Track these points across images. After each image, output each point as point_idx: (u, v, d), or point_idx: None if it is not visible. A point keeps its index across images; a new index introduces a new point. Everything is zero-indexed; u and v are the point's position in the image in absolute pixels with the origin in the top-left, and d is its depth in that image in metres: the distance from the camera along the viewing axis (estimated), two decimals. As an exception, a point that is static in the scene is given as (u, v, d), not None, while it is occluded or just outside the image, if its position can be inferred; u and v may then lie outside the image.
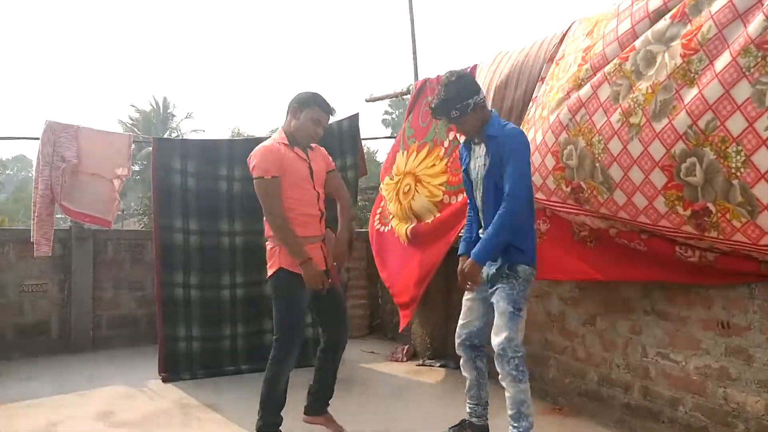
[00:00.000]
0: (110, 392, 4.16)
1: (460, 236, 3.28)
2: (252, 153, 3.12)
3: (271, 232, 3.11)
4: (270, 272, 3.13)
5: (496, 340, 2.84)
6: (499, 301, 2.87)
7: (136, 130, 32.75)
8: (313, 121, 3.14)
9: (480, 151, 2.98)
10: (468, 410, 3.20)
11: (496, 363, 2.85)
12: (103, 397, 4.04)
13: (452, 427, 3.23)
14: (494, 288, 2.91)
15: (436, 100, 2.94)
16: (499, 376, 2.86)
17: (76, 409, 3.79)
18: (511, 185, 2.76)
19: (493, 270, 2.90)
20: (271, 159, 3.04)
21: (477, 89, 2.93)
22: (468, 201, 3.18)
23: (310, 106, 3.13)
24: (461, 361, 3.17)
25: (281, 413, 3.18)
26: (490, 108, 3.12)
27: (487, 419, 3.19)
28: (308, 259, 3.04)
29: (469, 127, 2.95)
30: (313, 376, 3.38)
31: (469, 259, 2.85)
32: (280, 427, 3.18)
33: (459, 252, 3.15)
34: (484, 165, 2.91)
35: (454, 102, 2.87)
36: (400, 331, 4.94)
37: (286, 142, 3.14)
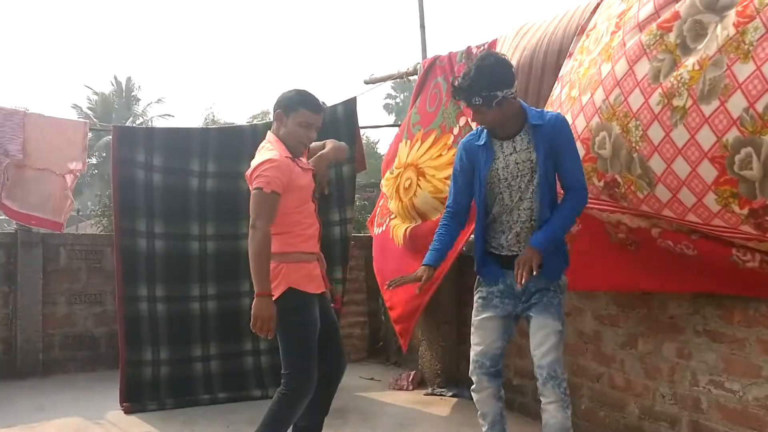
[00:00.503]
0: (63, 426, 4.18)
1: (470, 239, 3.30)
2: (260, 161, 3.14)
3: (273, 248, 3.12)
4: (275, 294, 3.12)
5: (546, 360, 2.93)
6: (546, 317, 2.97)
7: (92, 116, 32.82)
8: (303, 126, 3.20)
9: (518, 145, 3.02)
10: None
11: (543, 387, 2.93)
12: (54, 432, 4.06)
13: None
14: (532, 302, 3.00)
15: (462, 80, 2.95)
16: (544, 402, 2.94)
17: (21, 445, 3.82)
18: (578, 176, 2.99)
19: (538, 283, 2.98)
20: (279, 174, 3.08)
21: (511, 81, 2.94)
22: (452, 206, 3.22)
23: (294, 109, 3.19)
24: (481, 393, 3.16)
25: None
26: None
27: None
28: (269, 294, 3.06)
29: (489, 120, 2.99)
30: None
31: (531, 247, 2.92)
32: None
33: (426, 261, 3.15)
34: (531, 160, 2.97)
35: (481, 89, 2.89)
36: (404, 353, 4.95)
37: (289, 154, 3.19)
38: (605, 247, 3.49)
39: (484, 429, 3.20)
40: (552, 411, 2.91)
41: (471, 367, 3.16)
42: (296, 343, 3.16)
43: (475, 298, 3.18)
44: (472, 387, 3.18)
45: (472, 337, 3.17)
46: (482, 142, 3.09)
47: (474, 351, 3.14)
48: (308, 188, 3.27)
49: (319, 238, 3.35)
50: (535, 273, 2.86)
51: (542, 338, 2.96)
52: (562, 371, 2.94)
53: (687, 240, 3.07)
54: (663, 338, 3.47)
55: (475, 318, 3.15)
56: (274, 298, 3.10)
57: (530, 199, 3.02)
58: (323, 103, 3.34)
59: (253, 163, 3.17)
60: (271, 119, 3.39)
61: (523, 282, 2.86)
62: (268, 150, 3.20)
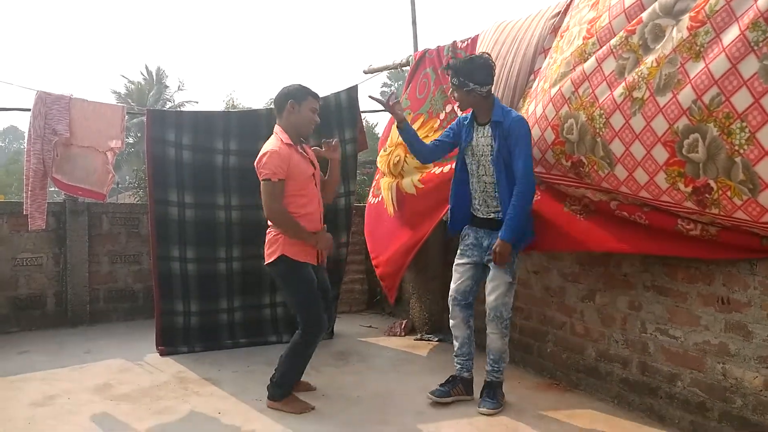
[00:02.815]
0: (108, 366, 4.20)
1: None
2: (262, 153, 3.28)
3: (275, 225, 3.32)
4: (270, 259, 3.32)
5: (494, 304, 3.33)
6: (498, 269, 3.32)
7: (129, 101, 32.41)
8: (313, 111, 3.39)
9: (485, 132, 3.35)
10: (458, 367, 3.58)
11: (489, 323, 3.37)
12: (100, 371, 4.08)
13: (442, 384, 3.57)
14: (491, 256, 3.33)
15: (455, 61, 3.39)
16: (489, 332, 3.39)
17: (73, 383, 3.83)
18: (523, 168, 3.18)
19: (493, 241, 3.33)
20: (279, 162, 3.23)
21: (485, 81, 3.29)
22: (455, 174, 3.57)
23: (305, 98, 3.37)
24: (454, 321, 3.54)
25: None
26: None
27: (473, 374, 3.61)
28: (315, 233, 3.34)
29: (458, 99, 3.39)
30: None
31: (500, 241, 3.25)
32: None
33: (451, 227, 3.62)
34: (491, 146, 3.31)
35: (463, 74, 3.28)
36: (391, 303, 4.97)
37: (291, 142, 3.34)
38: (557, 213, 3.49)
39: (455, 348, 3.59)
40: (494, 339, 3.39)
41: (449, 300, 3.56)
42: (299, 296, 3.33)
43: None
44: (449, 315, 3.57)
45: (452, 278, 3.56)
46: (467, 122, 3.46)
47: (451, 288, 3.55)
48: (306, 173, 3.36)
49: (320, 220, 3.46)
50: (507, 262, 3.28)
51: (493, 287, 3.34)
52: (507, 313, 3.36)
53: (639, 212, 3.08)
54: (617, 292, 3.49)
55: (454, 264, 3.56)
56: (269, 262, 3.33)
57: (491, 174, 3.35)
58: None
59: (261, 152, 3.29)
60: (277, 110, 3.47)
61: (499, 264, 3.29)
62: (270, 141, 3.33)
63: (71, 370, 4.11)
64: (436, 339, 4.96)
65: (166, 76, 37.53)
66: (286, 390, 3.43)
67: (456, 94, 3.37)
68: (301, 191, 3.33)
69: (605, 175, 3.02)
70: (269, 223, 3.37)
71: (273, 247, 3.33)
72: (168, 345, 4.52)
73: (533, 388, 3.79)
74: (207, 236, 4.62)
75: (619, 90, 2.82)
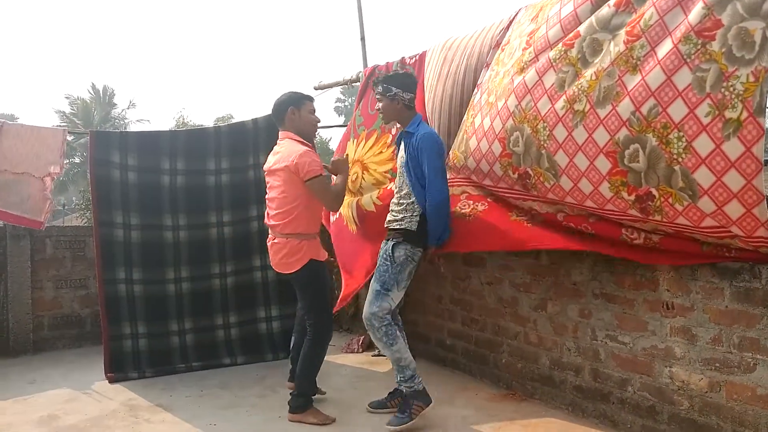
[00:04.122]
0: (54, 396, 4.01)
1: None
2: (299, 156, 3.35)
3: (296, 230, 3.43)
4: (299, 265, 3.44)
5: (366, 313, 3.37)
6: (372, 278, 3.43)
7: (75, 120, 31.44)
8: (311, 112, 3.58)
9: (403, 145, 3.45)
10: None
11: (369, 333, 3.39)
12: (46, 402, 3.89)
13: (386, 397, 3.66)
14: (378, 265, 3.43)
15: (386, 73, 3.60)
16: (375, 344, 3.44)
17: (17, 415, 3.64)
18: (429, 180, 3.27)
19: (383, 247, 3.47)
20: (316, 157, 3.43)
21: (409, 89, 3.43)
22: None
23: (303, 102, 3.55)
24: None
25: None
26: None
27: None
28: (343, 164, 3.60)
29: (384, 110, 3.47)
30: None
31: (431, 247, 3.40)
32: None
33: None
34: (403, 157, 3.41)
35: (390, 82, 3.41)
36: (335, 312, 4.92)
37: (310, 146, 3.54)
38: (503, 221, 3.51)
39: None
40: (381, 349, 3.41)
41: None
42: (322, 299, 3.52)
43: None
44: None
45: None
46: (399, 135, 3.56)
47: None
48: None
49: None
50: (433, 261, 3.50)
51: (368, 294, 3.42)
52: (379, 320, 3.32)
53: (586, 222, 3.13)
54: (568, 301, 3.54)
55: None
56: (298, 269, 3.45)
57: (406, 184, 3.41)
58: None
59: (290, 156, 3.36)
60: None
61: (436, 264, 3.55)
62: (290, 146, 3.43)
63: (14, 401, 3.91)
64: (393, 354, 4.92)
65: (113, 94, 36.52)
66: (308, 400, 3.52)
67: (380, 105, 3.45)
68: None
69: (551, 186, 3.06)
70: (276, 231, 3.45)
71: (299, 254, 3.42)
72: (117, 371, 4.35)
73: (489, 399, 3.80)
74: (154, 257, 4.51)
75: (560, 103, 2.87)
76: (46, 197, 4.57)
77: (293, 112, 3.51)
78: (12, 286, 5.18)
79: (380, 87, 3.42)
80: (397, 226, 3.40)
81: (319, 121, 3.64)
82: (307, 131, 3.55)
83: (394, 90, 3.38)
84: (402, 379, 3.34)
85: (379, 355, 4.96)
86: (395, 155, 4.38)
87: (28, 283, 5.26)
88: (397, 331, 3.39)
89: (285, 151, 3.42)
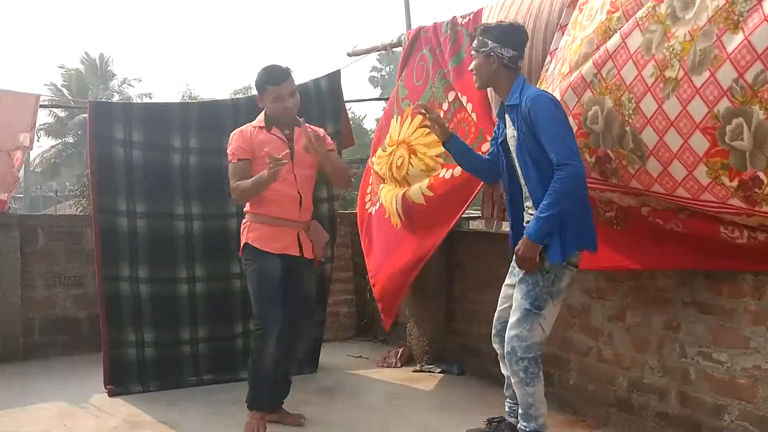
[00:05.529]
0: (47, 410, 4.16)
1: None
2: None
3: (246, 208, 3.78)
4: (240, 247, 3.78)
5: (507, 334, 3.15)
6: (517, 292, 3.15)
7: (67, 94, 32.23)
8: (276, 101, 3.65)
9: (509, 120, 3.21)
10: (507, 409, 3.47)
11: (506, 361, 3.20)
12: (38, 417, 4.04)
13: (491, 420, 3.58)
14: (518, 275, 3.16)
15: (488, 24, 3.31)
16: (509, 373, 3.20)
17: None
18: (555, 154, 2.95)
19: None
20: (241, 143, 3.68)
21: (510, 44, 3.13)
22: (503, 180, 3.41)
23: (263, 89, 3.66)
24: (499, 355, 3.41)
25: (273, 390, 3.81)
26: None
27: None
28: (271, 172, 3.44)
29: (476, 70, 3.23)
30: None
31: (523, 238, 3.05)
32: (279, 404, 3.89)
33: (512, 243, 3.28)
34: (514, 136, 3.16)
35: (485, 34, 3.15)
36: (386, 331, 4.97)
37: (262, 125, 3.73)
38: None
39: (504, 389, 3.47)
40: (514, 383, 3.19)
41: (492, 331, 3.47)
42: (254, 288, 3.70)
43: None
44: None
45: None
46: (498, 111, 3.39)
47: (495, 315, 3.45)
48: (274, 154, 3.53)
49: (302, 207, 3.76)
50: (532, 268, 3.04)
51: (511, 312, 3.19)
52: (524, 351, 3.08)
53: (676, 219, 3.10)
54: (652, 310, 3.51)
55: (504, 283, 3.44)
56: (240, 252, 3.79)
57: (521, 174, 3.19)
58: (287, 68, 3.73)
59: None
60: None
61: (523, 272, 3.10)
62: (249, 124, 3.78)
63: (1, 416, 4.06)
64: (439, 370, 4.96)
65: (112, 62, 37.25)
66: (251, 404, 3.75)
67: (473, 64, 3.24)
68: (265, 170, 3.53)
69: (635, 171, 3.04)
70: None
71: (242, 236, 3.77)
72: (118, 384, 4.48)
73: (554, 426, 3.78)
74: (164, 252, 4.61)
75: (648, 69, 2.84)
76: (14, 175, 4.60)
77: (259, 99, 3.74)
78: (0, 284, 5.35)
79: (474, 42, 3.21)
80: None
81: (288, 109, 3.67)
82: (276, 118, 3.71)
83: (489, 44, 3.12)
84: (523, 426, 3.18)
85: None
86: None
87: (18, 281, 5.43)
88: (541, 373, 3.15)
89: None
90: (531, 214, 3.12)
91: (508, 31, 3.17)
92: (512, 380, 3.18)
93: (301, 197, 3.74)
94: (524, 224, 3.20)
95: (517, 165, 3.20)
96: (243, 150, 3.66)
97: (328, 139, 3.92)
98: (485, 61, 3.16)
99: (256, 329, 3.73)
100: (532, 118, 3.00)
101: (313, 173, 3.84)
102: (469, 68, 3.35)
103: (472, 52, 3.24)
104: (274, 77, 3.64)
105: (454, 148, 3.48)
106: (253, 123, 3.77)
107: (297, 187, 3.71)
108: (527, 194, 3.19)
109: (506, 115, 3.23)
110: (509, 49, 3.12)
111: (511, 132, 3.19)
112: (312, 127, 3.70)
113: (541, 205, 2.97)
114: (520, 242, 3.07)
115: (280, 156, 3.43)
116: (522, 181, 3.21)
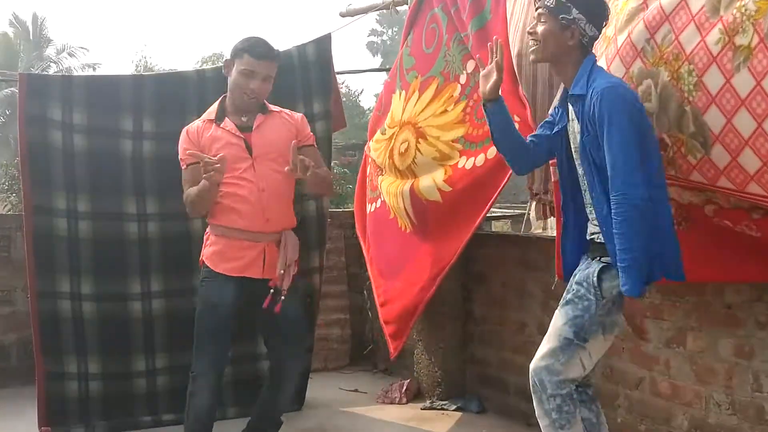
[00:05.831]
0: (-34, 456, 4.18)
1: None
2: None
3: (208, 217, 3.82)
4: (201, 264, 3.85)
5: (534, 365, 3.08)
6: (559, 313, 3.07)
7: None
8: (243, 74, 3.68)
9: (572, 113, 3.09)
10: None
11: (533, 397, 3.08)
12: (-45, 465, 4.06)
13: None
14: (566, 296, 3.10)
15: None
16: (536, 412, 3.07)
17: None
18: (615, 168, 2.81)
19: (585, 274, 3.05)
20: (187, 146, 3.75)
21: (595, 21, 3.00)
22: (559, 178, 3.30)
23: (239, 56, 3.69)
24: None
25: None
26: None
27: None
28: (209, 179, 3.50)
29: (542, 34, 3.02)
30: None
31: (625, 298, 2.91)
32: None
33: (566, 266, 3.26)
34: (576, 132, 3.06)
35: (576, 1, 2.95)
36: (392, 358, 4.96)
37: (213, 117, 3.80)
38: None
39: None
40: (544, 429, 3.07)
41: None
42: (196, 320, 3.79)
43: None
44: None
45: None
46: (561, 96, 3.24)
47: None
48: (231, 156, 3.63)
49: (268, 214, 3.72)
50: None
51: (545, 337, 3.11)
52: (554, 387, 2.99)
53: (748, 220, 3.10)
54: (718, 333, 3.53)
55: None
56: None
57: (584, 179, 3.09)
58: (277, 51, 3.77)
59: None
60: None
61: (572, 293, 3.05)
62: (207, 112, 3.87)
63: None
64: (454, 407, 4.97)
65: (46, 26, 37.26)
66: None
67: (540, 28, 3.03)
68: (226, 177, 3.61)
69: (697, 161, 3.04)
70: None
71: (203, 248, 3.84)
72: (56, 423, 4.49)
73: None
74: (112, 261, 4.61)
75: (714, 35, 2.83)
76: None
77: (227, 66, 3.79)
78: None
79: (551, 2, 2.97)
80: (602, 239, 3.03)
81: (250, 90, 3.68)
82: (235, 98, 3.77)
83: (573, 13, 2.95)
84: None
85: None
86: (467, 115, 4.36)
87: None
88: (577, 411, 3.05)
89: None
90: (596, 225, 3.04)
91: (597, 6, 3.03)
92: (541, 423, 3.07)
93: (267, 202, 3.72)
94: (588, 236, 3.13)
95: (578, 166, 3.11)
96: (191, 154, 3.68)
97: (308, 131, 3.99)
98: (561, 32, 2.98)
99: (190, 372, 3.80)
100: (597, 118, 2.87)
101: (286, 169, 3.67)
102: (528, 30, 3.15)
103: (541, 11, 3.01)
104: (256, 50, 3.67)
105: (497, 115, 3.20)
106: (203, 116, 3.86)
107: (258, 189, 3.69)
108: (589, 201, 3.09)
109: (571, 106, 3.09)
110: (593, 27, 3.00)
111: (575, 126, 3.07)
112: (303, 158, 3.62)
113: (617, 250, 2.84)
114: (626, 303, 2.95)
115: (215, 158, 3.48)
116: (584, 186, 3.11)
